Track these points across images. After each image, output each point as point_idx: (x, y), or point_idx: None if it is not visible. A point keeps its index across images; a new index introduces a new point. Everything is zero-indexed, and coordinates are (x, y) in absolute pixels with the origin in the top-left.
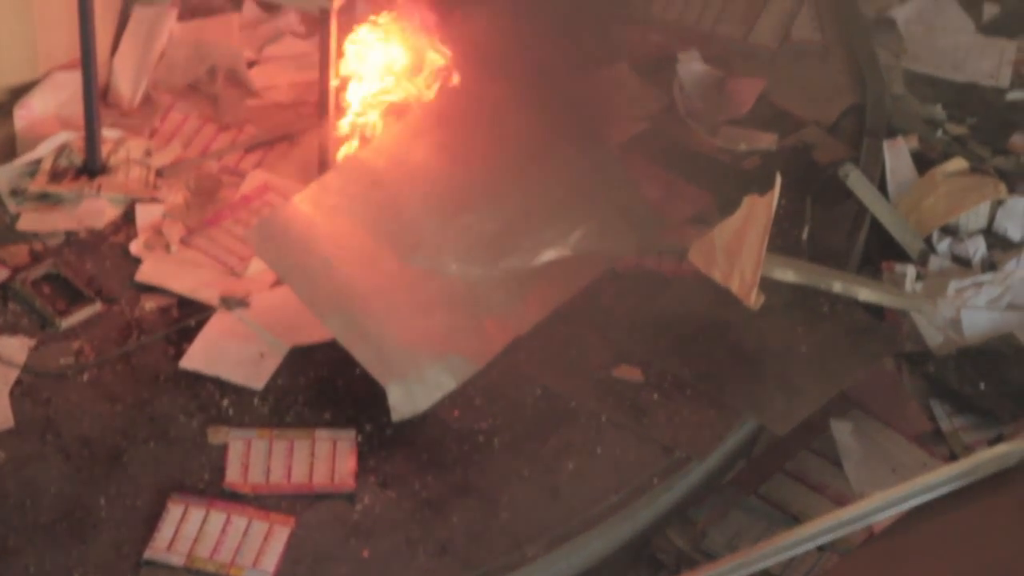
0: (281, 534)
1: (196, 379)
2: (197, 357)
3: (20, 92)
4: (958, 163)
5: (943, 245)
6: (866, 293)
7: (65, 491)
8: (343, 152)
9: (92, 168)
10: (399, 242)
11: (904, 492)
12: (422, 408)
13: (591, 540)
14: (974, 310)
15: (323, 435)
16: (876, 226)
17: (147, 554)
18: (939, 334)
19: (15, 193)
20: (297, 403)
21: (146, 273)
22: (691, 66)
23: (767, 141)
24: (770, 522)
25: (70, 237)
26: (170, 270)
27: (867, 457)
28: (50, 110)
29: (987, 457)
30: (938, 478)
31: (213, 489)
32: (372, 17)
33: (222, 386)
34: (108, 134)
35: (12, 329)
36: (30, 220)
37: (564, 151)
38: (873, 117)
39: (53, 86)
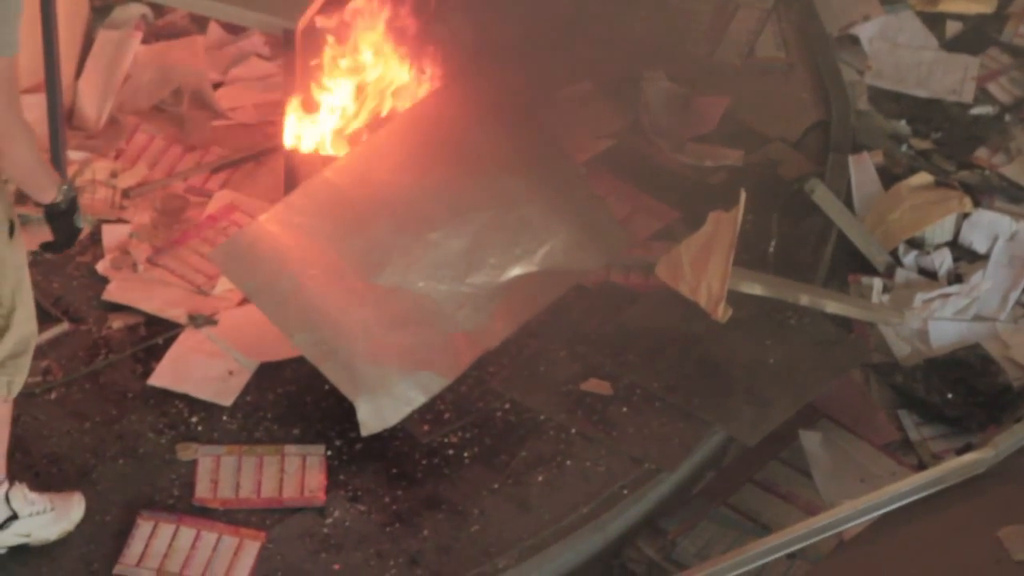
0: (251, 548)
1: (165, 396)
2: (165, 375)
3: None
4: (923, 177)
5: (909, 258)
6: (833, 305)
7: None
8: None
9: None
10: (366, 260)
11: (873, 501)
12: (391, 423)
13: (562, 551)
14: (941, 321)
15: (292, 450)
16: (842, 240)
17: (117, 569)
18: (906, 345)
19: None
20: (266, 419)
21: (113, 292)
22: (656, 84)
23: (733, 157)
24: (740, 531)
25: (36, 257)
26: (137, 289)
27: (836, 467)
28: None
29: (955, 466)
30: (907, 487)
31: (183, 505)
32: (331, 39)
33: (191, 403)
34: (74, 156)
35: None
36: None
37: (530, 168)
38: (838, 133)
39: None
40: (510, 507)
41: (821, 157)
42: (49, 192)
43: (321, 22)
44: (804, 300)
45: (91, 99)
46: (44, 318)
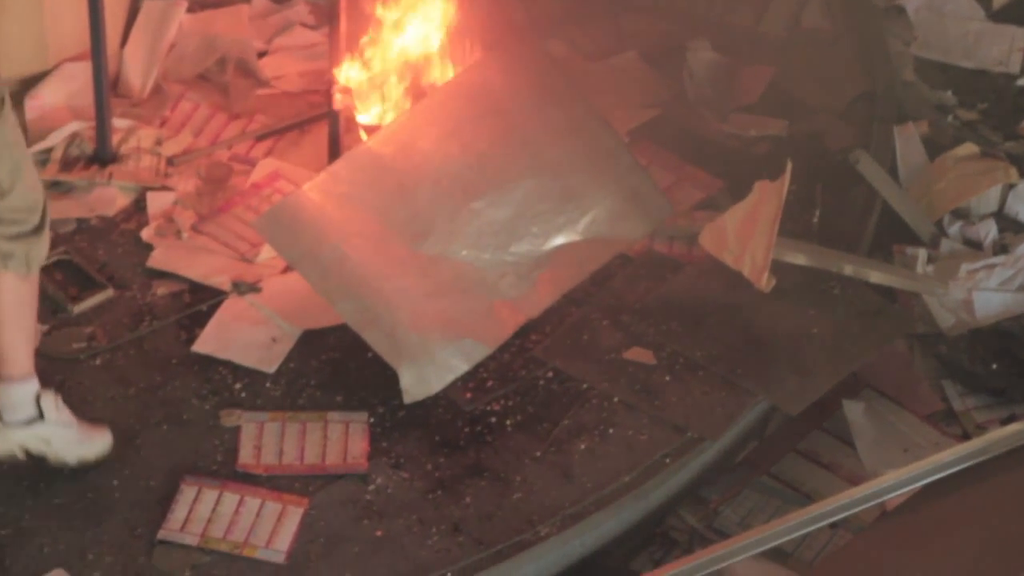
0: (294, 514)
1: (208, 363)
2: (209, 341)
3: (31, 83)
4: (969, 148)
5: (954, 228)
6: (877, 275)
7: (79, 473)
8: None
9: (103, 157)
10: (409, 229)
11: (916, 471)
12: (434, 390)
13: (604, 519)
14: (986, 291)
15: (335, 417)
16: (887, 211)
17: (161, 534)
18: (951, 315)
19: None
20: (309, 386)
21: (158, 259)
22: (701, 54)
23: (777, 127)
24: (783, 501)
25: (82, 224)
26: (182, 256)
27: (879, 437)
28: (61, 101)
29: (999, 436)
30: (950, 457)
31: (226, 471)
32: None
33: (234, 370)
34: (119, 124)
35: None
36: None
37: (574, 138)
38: (884, 104)
39: (63, 77)
40: (552, 475)
41: (866, 128)
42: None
43: None
44: (848, 270)
45: (136, 67)
46: (89, 284)
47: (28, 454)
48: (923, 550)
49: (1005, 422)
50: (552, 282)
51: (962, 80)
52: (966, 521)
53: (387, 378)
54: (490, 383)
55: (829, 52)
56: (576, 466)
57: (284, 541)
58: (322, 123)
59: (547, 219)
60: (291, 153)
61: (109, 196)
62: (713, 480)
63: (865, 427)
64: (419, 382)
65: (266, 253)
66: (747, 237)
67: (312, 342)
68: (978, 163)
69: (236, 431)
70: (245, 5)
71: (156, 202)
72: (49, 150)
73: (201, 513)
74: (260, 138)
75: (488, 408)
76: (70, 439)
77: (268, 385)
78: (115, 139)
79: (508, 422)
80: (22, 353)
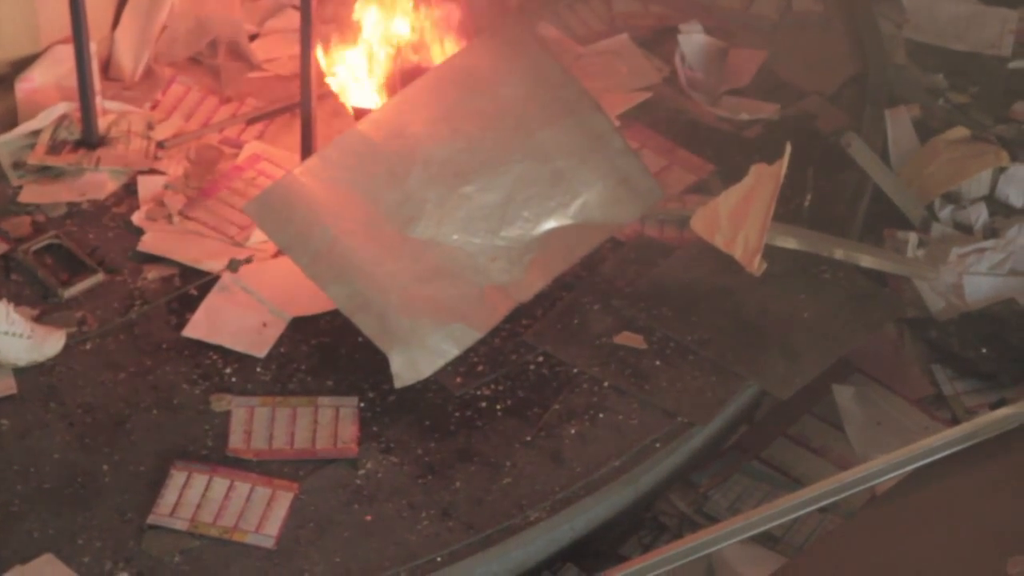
0: (284, 499)
1: (199, 347)
2: (200, 326)
3: (22, 65)
4: (960, 131)
5: (945, 212)
6: (868, 259)
7: (68, 458)
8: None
9: (90, 140)
10: (400, 213)
11: (906, 455)
12: (424, 375)
13: (594, 504)
14: (976, 276)
15: (326, 402)
16: (878, 194)
17: (151, 519)
18: (941, 299)
19: (16, 166)
20: (300, 371)
21: (148, 243)
22: (692, 37)
23: (769, 111)
24: (772, 485)
25: (72, 208)
26: (172, 240)
27: (869, 421)
28: (51, 82)
29: (989, 420)
30: (940, 441)
31: (216, 456)
32: None
33: (225, 354)
34: (109, 107)
35: (15, 299)
36: (32, 192)
37: (565, 121)
38: (875, 86)
39: (54, 59)
40: (542, 460)
41: (857, 111)
42: None
43: None
44: (839, 254)
45: (128, 50)
46: (79, 269)
47: None
48: (913, 534)
49: (995, 406)
50: (543, 266)
51: (954, 63)
52: (956, 505)
53: (377, 363)
54: (480, 368)
55: (820, 35)
56: (566, 451)
57: (274, 526)
58: (313, 106)
59: (538, 203)
60: (282, 136)
61: (100, 180)
62: (703, 465)
63: (855, 412)
64: (409, 367)
65: (256, 237)
66: (741, 220)
67: (303, 327)
68: (969, 146)
69: (226, 416)
70: None
71: (147, 186)
72: (37, 132)
73: (191, 498)
74: (251, 121)
75: (478, 393)
76: (20, 348)
77: (258, 370)
78: (106, 122)
79: (498, 407)
80: None
